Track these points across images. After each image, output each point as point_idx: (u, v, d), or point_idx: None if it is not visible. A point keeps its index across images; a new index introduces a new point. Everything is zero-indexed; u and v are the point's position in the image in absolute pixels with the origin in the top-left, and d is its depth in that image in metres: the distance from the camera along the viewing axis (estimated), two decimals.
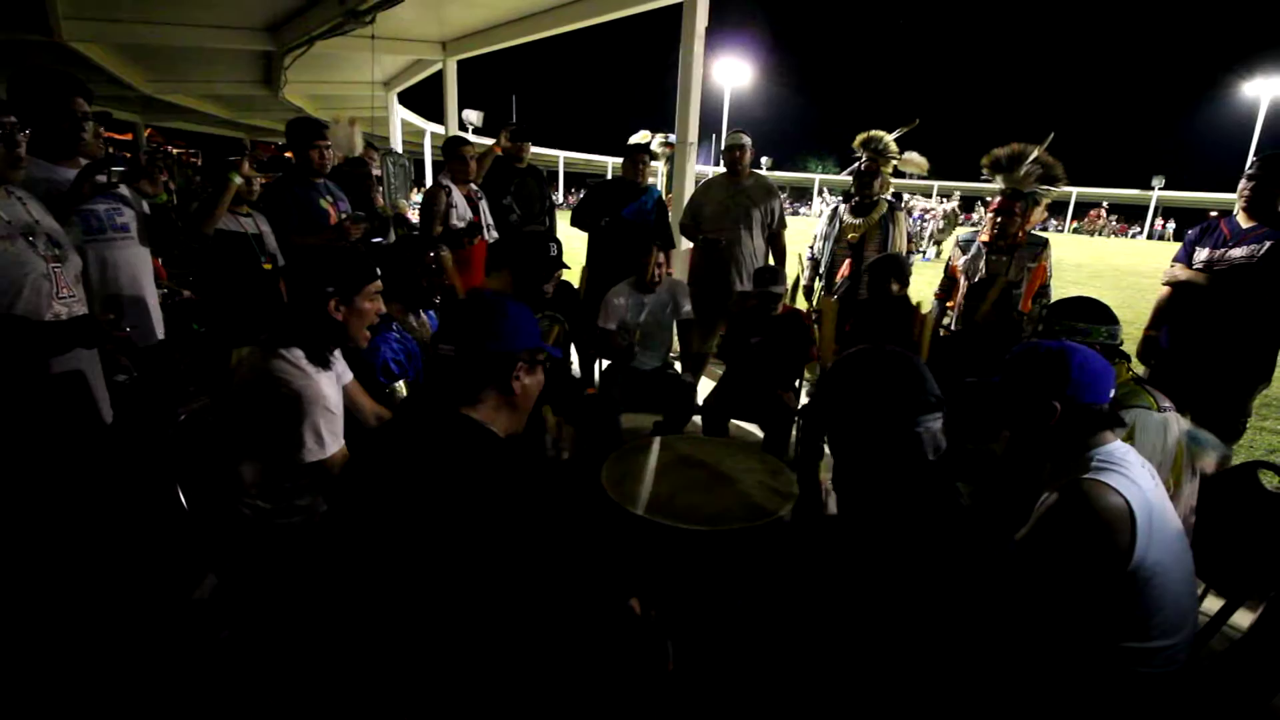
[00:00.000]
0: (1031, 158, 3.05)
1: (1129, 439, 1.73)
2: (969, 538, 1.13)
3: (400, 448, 1.14)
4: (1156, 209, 33.58)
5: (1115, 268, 16.17)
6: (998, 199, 3.08)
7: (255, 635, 1.57)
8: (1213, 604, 1.60)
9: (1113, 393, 1.32)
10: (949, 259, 3.33)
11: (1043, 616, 1.31)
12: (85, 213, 2.14)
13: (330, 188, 3.26)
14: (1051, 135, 3.07)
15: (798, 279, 3.95)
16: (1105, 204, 33.74)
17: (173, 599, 1.93)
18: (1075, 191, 33.64)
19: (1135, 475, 1.23)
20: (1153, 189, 32.45)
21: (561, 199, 33.48)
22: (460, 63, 7.60)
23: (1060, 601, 1.26)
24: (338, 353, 1.75)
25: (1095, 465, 1.24)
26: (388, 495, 1.07)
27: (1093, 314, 1.95)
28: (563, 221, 4.41)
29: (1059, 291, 2.83)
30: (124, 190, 2.32)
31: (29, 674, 1.69)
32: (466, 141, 3.81)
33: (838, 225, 3.77)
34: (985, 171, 3.20)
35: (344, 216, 3.17)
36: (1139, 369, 2.63)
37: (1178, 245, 2.99)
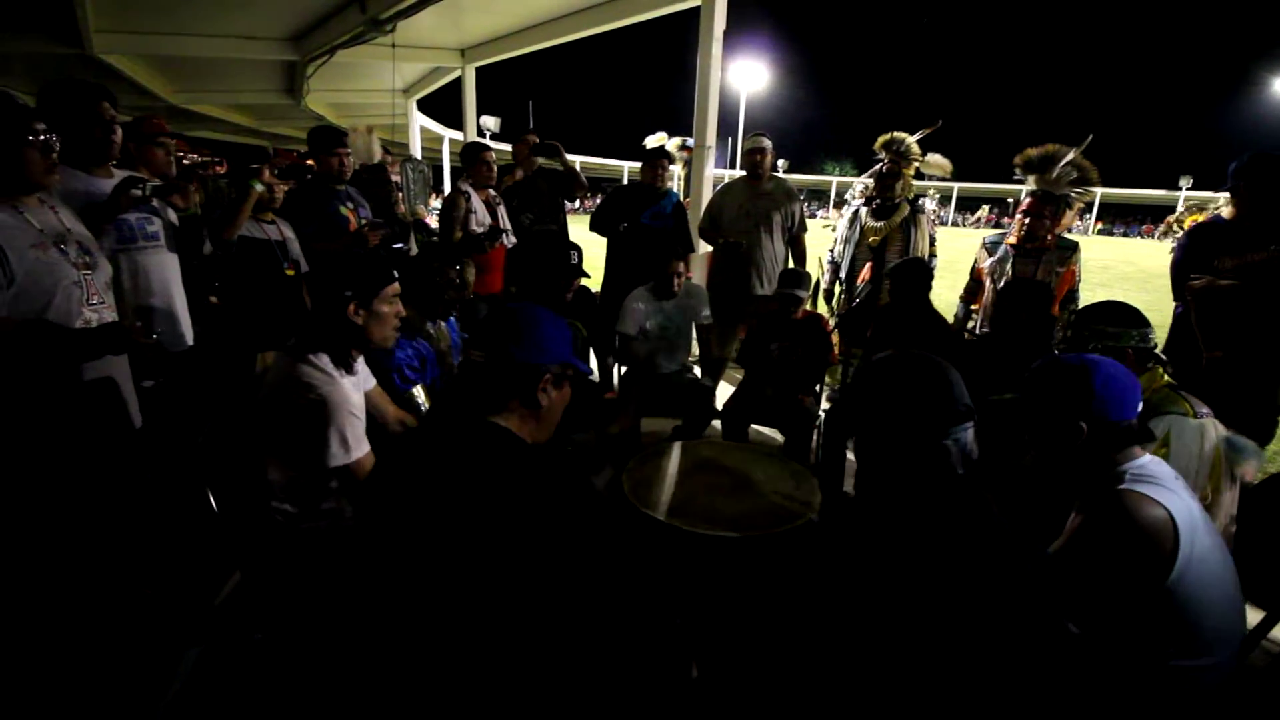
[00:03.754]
0: (1066, 159, 2.99)
1: (1164, 446, 1.68)
2: (1002, 549, 1.10)
3: (428, 453, 1.14)
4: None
5: (1143, 269, 15.86)
6: (1026, 200, 3.03)
7: (287, 638, 1.58)
8: (1253, 616, 1.55)
9: (1141, 405, 1.27)
10: (975, 261, 3.28)
11: (1085, 632, 1.27)
12: (118, 221, 2.19)
13: (351, 194, 3.30)
14: (1090, 138, 3.00)
15: (817, 282, 3.92)
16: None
17: (203, 601, 1.95)
18: (1100, 192, 33.01)
19: (1171, 486, 1.20)
20: (1180, 189, 31.79)
21: (578, 204, 33.51)
22: (478, 69, 7.66)
23: (1103, 617, 1.22)
24: (360, 358, 1.77)
25: (1130, 478, 1.20)
26: (416, 500, 1.07)
27: (1122, 318, 1.89)
28: (581, 227, 4.40)
29: (1086, 295, 2.77)
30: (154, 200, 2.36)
31: (58, 674, 1.71)
32: (486, 147, 3.82)
33: (858, 228, 3.73)
34: (1017, 171, 3.15)
35: (363, 223, 3.20)
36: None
37: None
